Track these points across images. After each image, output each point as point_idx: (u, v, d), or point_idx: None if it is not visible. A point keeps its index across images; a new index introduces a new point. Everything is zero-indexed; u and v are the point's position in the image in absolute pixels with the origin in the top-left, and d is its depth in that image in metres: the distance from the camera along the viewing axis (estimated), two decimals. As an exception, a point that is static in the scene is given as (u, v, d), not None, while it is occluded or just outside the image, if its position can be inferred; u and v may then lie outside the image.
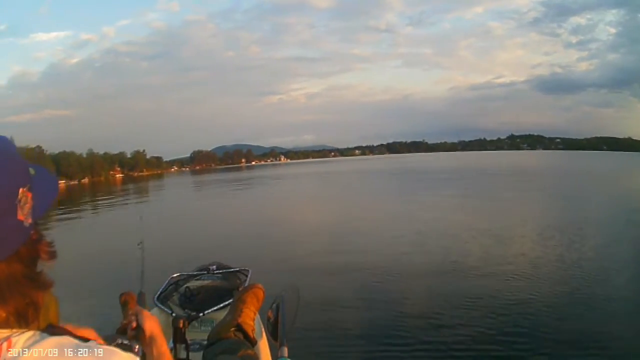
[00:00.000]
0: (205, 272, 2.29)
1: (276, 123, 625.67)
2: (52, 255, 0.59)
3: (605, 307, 4.27)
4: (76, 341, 0.55)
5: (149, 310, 1.29)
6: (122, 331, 0.87)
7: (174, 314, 1.78)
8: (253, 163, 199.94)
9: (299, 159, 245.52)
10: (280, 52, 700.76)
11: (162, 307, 2.01)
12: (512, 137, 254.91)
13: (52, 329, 0.56)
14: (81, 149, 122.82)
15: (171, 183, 51.84)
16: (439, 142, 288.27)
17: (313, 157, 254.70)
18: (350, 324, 4.07)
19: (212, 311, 1.90)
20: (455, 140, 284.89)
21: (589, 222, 9.41)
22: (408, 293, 4.95)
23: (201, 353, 1.49)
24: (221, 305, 1.92)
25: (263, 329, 1.79)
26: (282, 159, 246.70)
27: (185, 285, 2.15)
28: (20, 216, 0.52)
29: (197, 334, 1.87)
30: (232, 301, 1.69)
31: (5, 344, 0.49)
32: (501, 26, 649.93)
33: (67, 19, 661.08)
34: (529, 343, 3.52)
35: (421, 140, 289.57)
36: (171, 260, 5.63)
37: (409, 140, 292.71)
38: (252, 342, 1.52)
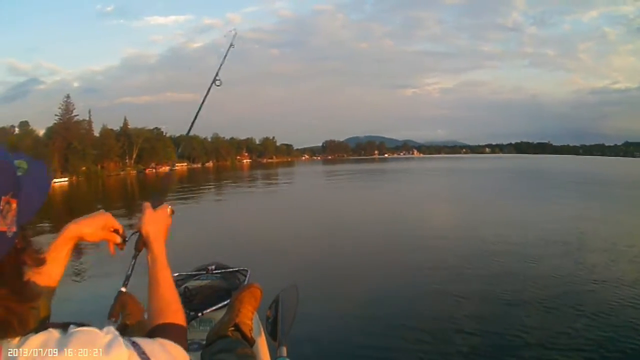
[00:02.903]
0: (204, 272, 2.32)
1: (410, 116, 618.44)
2: (40, 262, 0.56)
3: None
4: (57, 333, 0.54)
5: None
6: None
7: None
8: (386, 155, 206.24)
9: (431, 153, 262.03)
10: (413, 45, 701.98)
11: None
12: (627, 144, 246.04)
13: (42, 326, 0.55)
14: (206, 133, 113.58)
15: (288, 172, 52.43)
16: (562, 144, 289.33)
17: (445, 153, 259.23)
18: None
19: (210, 311, 1.94)
20: (577, 144, 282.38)
21: None
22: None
23: (199, 353, 1.50)
24: (220, 305, 1.96)
25: (262, 329, 1.82)
26: (415, 152, 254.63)
27: (184, 285, 2.14)
28: (2, 227, 0.49)
29: (196, 333, 1.82)
30: (230, 301, 1.71)
31: None
32: (614, 31, 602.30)
33: (186, 4, 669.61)
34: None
35: (547, 141, 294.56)
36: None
37: (535, 141, 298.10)
38: (250, 342, 1.53)
